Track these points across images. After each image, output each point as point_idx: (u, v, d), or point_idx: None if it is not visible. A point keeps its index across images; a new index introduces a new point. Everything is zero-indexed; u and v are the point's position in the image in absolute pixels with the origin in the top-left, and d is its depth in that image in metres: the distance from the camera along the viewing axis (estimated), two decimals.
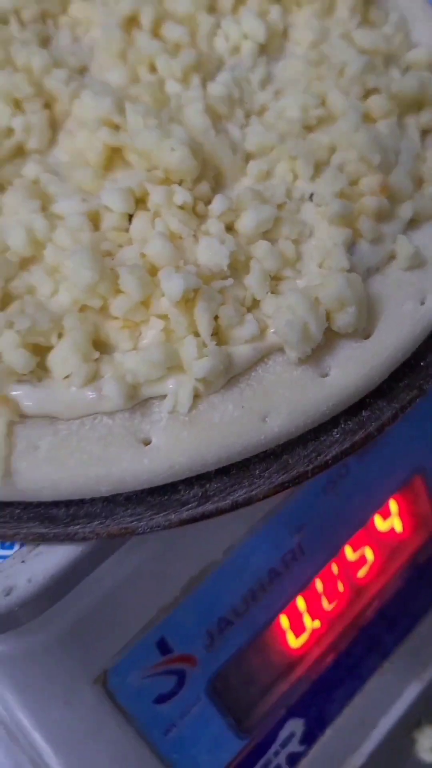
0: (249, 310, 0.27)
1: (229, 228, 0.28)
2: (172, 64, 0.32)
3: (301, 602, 0.42)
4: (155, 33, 0.34)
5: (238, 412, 0.26)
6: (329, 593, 0.43)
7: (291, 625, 0.42)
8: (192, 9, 0.34)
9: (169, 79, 0.32)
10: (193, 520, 0.26)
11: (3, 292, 0.26)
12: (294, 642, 0.42)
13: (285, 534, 0.39)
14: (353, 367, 0.27)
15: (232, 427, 0.25)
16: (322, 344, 0.27)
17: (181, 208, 0.28)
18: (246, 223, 0.28)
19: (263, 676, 0.41)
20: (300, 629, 0.42)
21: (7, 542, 0.26)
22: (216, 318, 0.26)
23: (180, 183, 0.29)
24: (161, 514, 0.26)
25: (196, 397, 0.25)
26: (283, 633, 0.41)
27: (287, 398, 0.26)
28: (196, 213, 0.28)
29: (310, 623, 0.42)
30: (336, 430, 0.27)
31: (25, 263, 0.27)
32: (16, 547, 0.26)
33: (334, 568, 0.43)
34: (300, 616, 0.42)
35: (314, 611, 0.42)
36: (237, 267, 0.27)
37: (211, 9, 0.35)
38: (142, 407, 0.26)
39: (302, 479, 0.26)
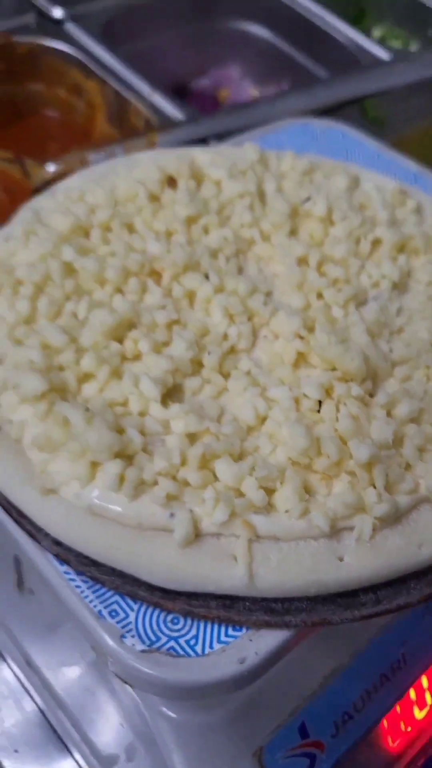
0: (405, 471, 0.39)
1: (387, 414, 0.41)
2: (337, 296, 0.46)
3: (398, 708, 0.51)
4: (319, 270, 0.48)
5: (402, 542, 0.37)
6: (420, 702, 0.52)
7: (389, 727, 0.51)
8: (345, 255, 0.49)
9: (333, 306, 0.46)
10: (370, 616, 0.37)
11: (240, 449, 0.39)
12: (392, 743, 0.51)
13: (394, 646, 0.49)
14: None
15: (398, 552, 0.37)
16: None
17: (355, 398, 0.41)
18: (401, 411, 0.41)
19: None
20: (397, 733, 0.51)
21: (239, 626, 0.36)
22: (386, 476, 0.38)
23: (352, 380, 0.42)
24: (348, 611, 0.37)
25: (375, 530, 0.37)
26: (385, 733, 0.50)
27: None
28: (363, 402, 0.41)
29: (404, 727, 0.52)
30: None
31: (250, 430, 0.40)
32: (244, 629, 0.37)
33: (424, 681, 0.52)
34: (398, 720, 0.51)
35: (407, 718, 0.52)
36: (395, 441, 0.40)
37: (355, 253, 0.50)
38: (337, 535, 0.37)
39: None
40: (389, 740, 0.51)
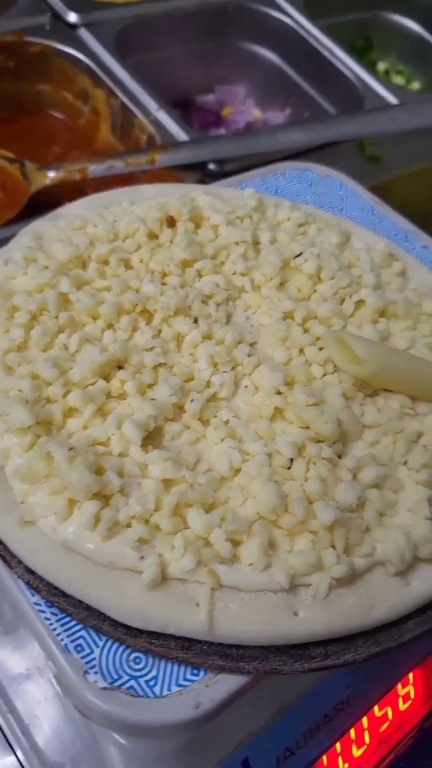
0: (364, 534, 0.42)
1: (354, 477, 0.43)
2: (318, 354, 0.48)
3: (338, 746, 0.54)
4: (304, 326, 0.51)
5: (355, 602, 0.40)
6: (359, 742, 0.55)
7: (329, 763, 0.53)
8: (329, 314, 0.51)
9: (314, 363, 0.48)
10: (318, 669, 0.39)
11: (213, 498, 0.41)
12: None
13: (339, 687, 0.52)
14: (429, 581, 0.41)
15: (350, 612, 0.39)
16: (410, 563, 0.41)
17: (325, 459, 0.43)
18: (367, 476, 0.43)
19: None
20: None
21: (196, 668, 0.39)
22: (346, 538, 0.40)
23: (324, 441, 0.44)
24: (298, 663, 0.39)
25: (330, 588, 0.39)
26: None
27: (386, 597, 0.40)
28: (332, 463, 0.44)
29: (342, 764, 0.54)
30: (411, 621, 0.41)
31: (223, 480, 0.42)
32: (202, 674, 0.39)
33: (365, 722, 0.55)
34: (336, 757, 0.54)
35: (346, 755, 0.54)
36: (357, 505, 0.42)
37: (339, 313, 0.52)
38: (294, 590, 0.39)
39: (389, 652, 0.40)
40: None
